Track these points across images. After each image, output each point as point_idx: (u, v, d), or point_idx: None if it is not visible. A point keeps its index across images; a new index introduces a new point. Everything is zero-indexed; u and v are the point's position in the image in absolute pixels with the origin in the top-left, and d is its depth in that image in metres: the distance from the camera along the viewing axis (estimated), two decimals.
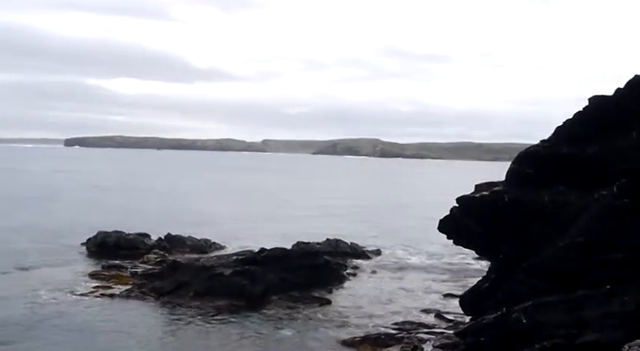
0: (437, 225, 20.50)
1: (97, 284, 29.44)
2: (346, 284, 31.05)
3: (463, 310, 20.71)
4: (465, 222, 19.13)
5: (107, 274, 31.61)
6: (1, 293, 27.31)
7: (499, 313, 17.29)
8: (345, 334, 22.97)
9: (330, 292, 29.15)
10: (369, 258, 38.46)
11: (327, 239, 38.55)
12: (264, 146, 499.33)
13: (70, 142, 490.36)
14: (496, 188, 19.05)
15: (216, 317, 24.90)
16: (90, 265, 33.92)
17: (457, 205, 19.51)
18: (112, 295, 27.55)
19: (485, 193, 19.03)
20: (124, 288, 28.60)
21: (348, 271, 33.65)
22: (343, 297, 28.86)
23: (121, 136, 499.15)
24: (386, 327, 23.99)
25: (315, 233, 42.32)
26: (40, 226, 47.63)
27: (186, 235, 40.29)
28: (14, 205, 62.06)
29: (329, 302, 27.58)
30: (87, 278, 30.68)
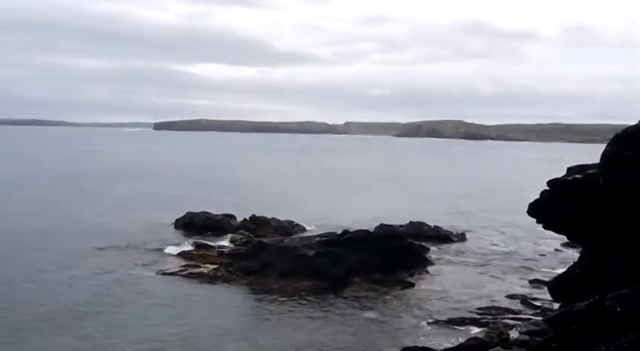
0: (525, 209, 19.86)
1: (185, 263, 30.37)
2: (429, 268, 30.70)
3: (552, 296, 20.00)
4: (556, 206, 18.40)
5: (195, 253, 32.58)
6: (94, 269, 28.70)
7: (591, 300, 16.60)
8: (428, 318, 22.78)
9: (413, 275, 28.92)
10: (453, 241, 37.85)
11: (411, 222, 38.20)
12: (346, 128, 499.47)
13: (158, 126, 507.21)
14: (590, 171, 18.20)
15: (299, 297, 25.23)
16: (178, 244, 34.98)
17: (548, 188, 18.80)
18: (200, 274, 28.39)
19: (578, 176, 18.20)
20: (211, 267, 29.40)
21: (431, 254, 33.21)
22: (426, 280, 28.59)
23: (206, 120, 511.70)
24: (470, 311, 23.62)
25: (398, 216, 42.03)
26: (132, 206, 49.66)
27: (270, 217, 40.92)
28: (108, 184, 64.99)
29: (412, 285, 27.39)
30: (176, 257, 31.71)
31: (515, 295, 26.06)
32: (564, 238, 31.09)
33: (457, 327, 21.83)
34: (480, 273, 30.33)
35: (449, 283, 28.24)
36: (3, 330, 20.52)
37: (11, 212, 45.14)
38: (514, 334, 20.49)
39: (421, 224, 38.23)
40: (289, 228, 40.03)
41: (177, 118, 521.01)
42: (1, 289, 25.23)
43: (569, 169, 18.93)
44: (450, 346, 19.17)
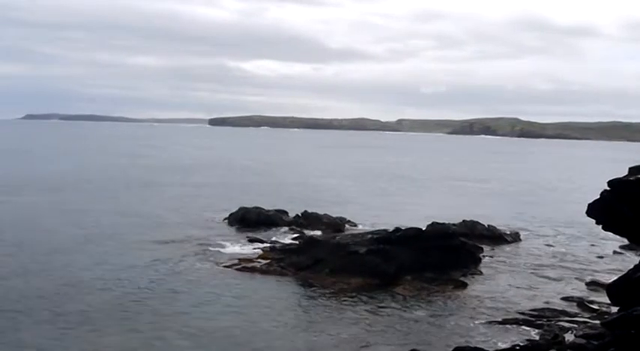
0: (584, 209, 19.36)
1: (238, 257, 30.71)
2: (482, 267, 30.24)
3: (610, 299, 19.47)
4: (617, 207, 17.88)
5: (247, 247, 32.93)
6: (149, 262, 29.32)
7: None
8: (480, 318, 22.48)
9: (466, 274, 28.55)
10: (507, 241, 37.17)
11: (464, 221, 37.69)
12: (399, 126, 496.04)
13: (213, 122, 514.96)
14: None
15: (350, 294, 25.25)
16: (231, 239, 35.47)
17: (609, 188, 18.28)
18: (252, 268, 28.72)
19: None
20: (263, 262, 29.70)
21: (484, 254, 32.74)
22: (479, 280, 28.19)
23: (259, 116, 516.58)
24: (524, 313, 23.18)
25: (451, 214, 41.57)
26: (187, 200, 50.62)
27: (322, 213, 41.07)
28: (164, 178, 66.34)
29: (464, 285, 27.05)
30: (229, 251, 32.12)
31: (571, 297, 25.45)
32: (624, 240, 30.36)
33: (510, 328, 21.47)
34: (535, 274, 29.71)
35: (502, 283, 27.78)
36: (62, 317, 21.21)
37: (72, 204, 46.58)
38: (570, 337, 20.03)
39: (474, 223, 37.66)
40: (341, 224, 40.07)
41: (231, 114, 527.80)
42: (61, 277, 26.06)
43: (631, 169, 18.36)
44: (503, 347, 18.86)
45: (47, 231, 36.03)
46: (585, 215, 18.76)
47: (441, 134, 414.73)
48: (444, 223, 33.97)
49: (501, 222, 41.62)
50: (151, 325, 20.97)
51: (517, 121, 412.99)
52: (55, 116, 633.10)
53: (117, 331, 20.34)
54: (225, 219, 40.90)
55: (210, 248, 32.49)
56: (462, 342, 19.16)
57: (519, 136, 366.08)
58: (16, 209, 43.56)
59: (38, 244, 32.18)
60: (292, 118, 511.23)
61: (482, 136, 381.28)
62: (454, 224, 36.17)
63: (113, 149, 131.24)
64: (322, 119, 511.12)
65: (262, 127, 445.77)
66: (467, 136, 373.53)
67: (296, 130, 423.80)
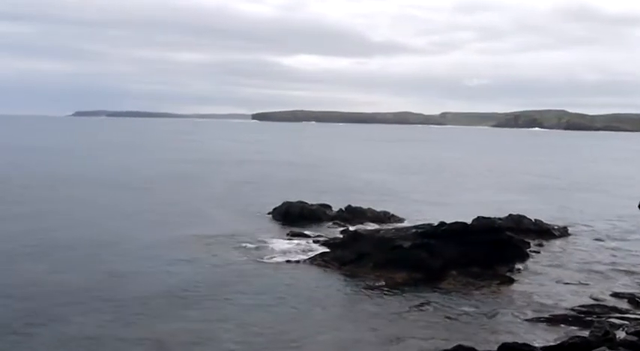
0: (636, 203, 18.84)
1: (281, 251, 30.89)
2: (529, 262, 29.75)
3: None
4: None
5: (291, 242, 33.11)
6: (195, 255, 29.69)
7: None
8: (528, 314, 22.11)
9: (512, 270, 28.12)
10: (555, 236, 36.44)
11: (510, 215, 37.11)
12: (442, 119, 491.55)
13: (256, 117, 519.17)
14: None
15: (394, 288, 25.15)
16: (275, 233, 35.72)
17: None
18: (296, 262, 28.87)
19: None
20: (307, 256, 29.80)
21: (532, 248, 32.19)
22: (526, 275, 27.72)
23: (302, 111, 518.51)
24: (573, 309, 22.69)
25: (497, 208, 41.03)
26: (231, 194, 51.19)
27: (365, 207, 40.99)
28: (209, 172, 67.20)
29: (511, 280, 26.63)
30: (272, 245, 32.33)
31: (622, 293, 24.80)
32: None
33: (558, 325, 21.06)
34: (584, 269, 29.06)
35: (550, 279, 27.27)
36: (111, 307, 21.71)
37: (119, 198, 47.60)
38: (621, 334, 19.50)
39: (521, 217, 37.02)
40: (385, 218, 39.93)
41: (274, 109, 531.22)
42: (110, 269, 26.65)
43: None
44: (551, 344, 18.51)
45: (95, 224, 36.90)
46: (638, 209, 18.27)
47: (485, 127, 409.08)
48: (489, 218, 33.48)
49: (549, 216, 40.82)
50: (199, 316, 21.28)
51: (564, 113, 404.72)
52: (102, 113, 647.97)
53: (167, 321, 20.72)
54: (268, 213, 41.18)
55: (254, 242, 32.75)
56: (508, 338, 18.86)
57: (566, 129, 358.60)
58: (66, 203, 44.71)
59: (87, 238, 32.96)
60: (335, 112, 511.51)
61: (528, 128, 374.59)
62: (500, 218, 35.63)
63: (160, 144, 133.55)
64: (365, 113, 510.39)
65: (310, 122, 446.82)
66: (512, 129, 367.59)
67: (339, 124, 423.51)
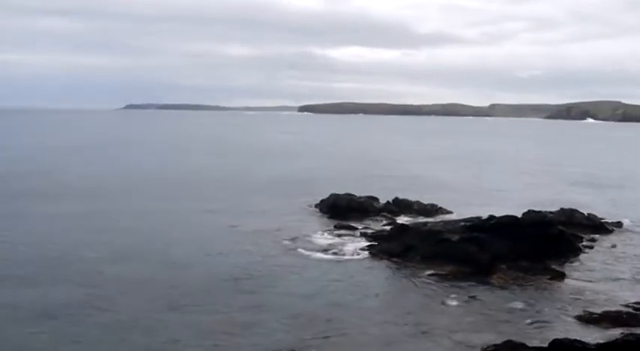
0: None
1: (328, 244, 30.96)
2: (582, 257, 29.11)
3: None
4: None
5: (339, 233, 33.19)
6: (238, 247, 30.00)
7: None
8: (580, 310, 21.61)
9: (564, 264, 27.56)
10: (608, 231, 35.50)
11: (561, 208, 36.33)
12: (492, 111, 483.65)
13: (303, 109, 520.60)
14: None
15: (442, 282, 24.94)
16: (323, 225, 35.84)
17: None
18: (343, 255, 28.89)
19: None
20: (354, 248, 29.80)
21: (584, 243, 31.48)
22: (578, 271, 27.12)
23: (348, 103, 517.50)
24: (627, 305, 22.11)
25: (548, 201, 40.27)
26: (277, 186, 51.51)
27: (413, 199, 40.74)
28: (256, 164, 67.80)
29: (562, 275, 26.08)
30: (319, 237, 32.45)
31: None
32: None
33: (612, 322, 20.51)
34: (639, 265, 28.27)
35: (603, 274, 26.62)
36: (159, 297, 22.18)
37: (167, 193, 48.50)
38: None
39: (573, 211, 36.20)
40: (432, 211, 39.62)
41: (321, 102, 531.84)
42: (158, 261, 27.23)
43: None
44: (603, 341, 18.08)
45: (150, 214, 37.70)
46: None
47: (536, 119, 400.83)
48: (540, 211, 32.94)
49: (602, 210, 39.83)
50: (246, 305, 21.56)
51: (619, 104, 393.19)
52: (152, 106, 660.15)
53: (215, 309, 21.07)
54: (315, 205, 41.32)
55: (301, 235, 32.91)
56: (559, 335, 18.50)
57: (621, 121, 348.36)
58: (124, 194, 45.84)
59: (144, 227, 33.72)
60: (382, 104, 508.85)
61: (581, 120, 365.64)
62: (551, 212, 34.96)
63: (209, 137, 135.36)
64: (412, 105, 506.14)
65: (357, 114, 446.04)
66: (564, 121, 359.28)
67: (386, 116, 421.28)
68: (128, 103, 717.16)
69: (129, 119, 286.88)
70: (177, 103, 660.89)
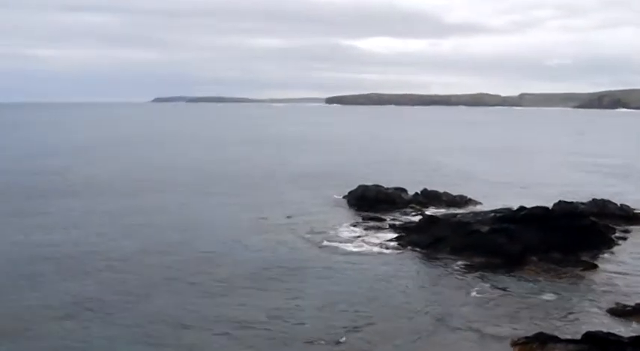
0: None
1: (357, 235, 31.03)
2: (615, 249, 28.65)
3: None
4: None
5: (367, 225, 33.18)
6: (268, 238, 30.22)
7: None
8: (612, 303, 21.27)
9: (596, 256, 27.16)
10: None
11: (593, 199, 35.76)
12: (521, 100, 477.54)
13: (330, 100, 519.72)
14: None
15: (473, 274, 24.77)
16: (351, 217, 35.83)
17: None
18: (371, 246, 28.84)
19: None
20: (382, 240, 29.77)
21: (617, 234, 30.95)
22: (611, 262, 26.71)
23: (376, 94, 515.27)
24: None
25: (579, 192, 39.70)
26: (305, 177, 51.64)
27: (441, 191, 40.48)
28: (284, 156, 68.03)
29: (594, 267, 25.72)
30: (348, 228, 32.48)
31: None
32: None
33: None
34: None
35: (636, 266, 26.14)
36: (186, 291, 22.43)
37: (201, 186, 48.93)
38: None
39: (605, 202, 35.57)
40: (461, 203, 39.32)
41: (348, 93, 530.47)
42: (190, 253, 27.53)
43: None
44: (636, 334, 17.79)
45: (177, 212, 38.09)
46: None
47: (567, 109, 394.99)
48: (571, 202, 32.46)
49: (636, 200, 39.09)
50: (277, 296, 21.72)
51: None
52: (181, 99, 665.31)
53: (246, 300, 21.26)
54: (344, 197, 41.31)
55: (330, 226, 32.95)
56: (592, 327, 18.26)
57: None
58: (161, 186, 46.41)
59: (168, 225, 34.05)
60: (409, 95, 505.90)
61: (613, 109, 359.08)
62: (583, 203, 34.46)
63: (239, 129, 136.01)
64: (440, 95, 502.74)
65: (379, 105, 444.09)
66: (595, 110, 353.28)
67: (413, 107, 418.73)
68: (157, 96, 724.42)
69: (160, 112, 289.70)
70: (206, 95, 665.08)
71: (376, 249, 28.46)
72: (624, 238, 30.75)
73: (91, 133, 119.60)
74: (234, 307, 20.67)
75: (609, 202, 35.78)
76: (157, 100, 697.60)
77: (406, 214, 36.37)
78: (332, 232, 31.51)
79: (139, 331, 18.68)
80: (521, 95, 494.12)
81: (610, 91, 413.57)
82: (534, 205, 29.70)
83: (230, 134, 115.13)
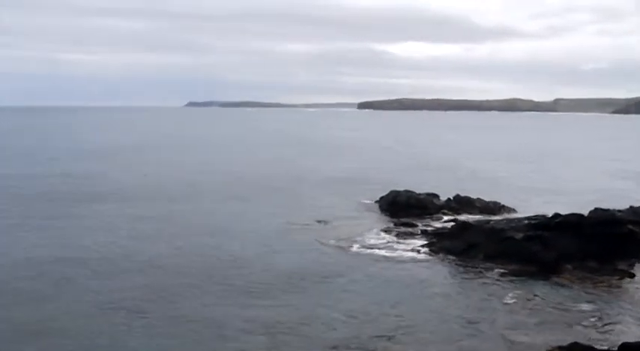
0: None
1: (389, 241, 30.90)
2: None
3: None
4: None
5: (398, 231, 32.99)
6: (299, 243, 30.34)
7: None
8: None
9: (634, 265, 26.52)
10: None
11: (631, 207, 34.93)
12: (555, 105, 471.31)
13: (362, 106, 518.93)
14: None
15: (507, 281, 24.45)
16: (382, 222, 35.69)
17: None
18: (403, 252, 28.69)
19: None
20: (414, 246, 29.59)
21: None
22: None
23: (408, 99, 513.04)
24: None
25: (616, 200, 38.84)
26: (337, 182, 51.64)
27: (474, 197, 40.07)
28: (316, 161, 68.11)
29: (632, 276, 25.16)
30: (379, 234, 32.34)
31: None
32: None
33: None
34: None
35: None
36: (214, 293, 22.57)
37: (230, 189, 49.26)
38: None
39: None
40: (495, 209, 38.85)
41: (380, 98, 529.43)
42: (218, 257, 27.73)
43: None
44: None
45: (210, 217, 38.38)
46: None
47: (602, 114, 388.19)
48: (608, 209, 31.81)
49: None
50: (305, 301, 21.78)
51: None
52: (214, 103, 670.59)
53: (273, 304, 21.34)
54: (376, 202, 41.18)
55: (361, 232, 32.85)
56: (629, 338, 17.87)
57: None
58: (192, 189, 46.89)
59: (201, 230, 34.29)
60: (442, 100, 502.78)
61: None
62: (620, 210, 33.72)
63: (272, 134, 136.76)
64: (472, 100, 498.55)
65: (412, 110, 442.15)
66: (632, 116, 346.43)
67: (446, 112, 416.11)
68: (190, 101, 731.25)
69: (194, 117, 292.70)
70: (238, 100, 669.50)
71: (408, 255, 28.29)
72: None
73: (134, 135, 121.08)
74: (265, 310, 20.74)
75: None
76: (190, 104, 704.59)
77: (438, 219, 36.09)
78: (363, 238, 31.41)
79: (171, 332, 18.88)
80: (556, 100, 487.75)
81: None
82: (569, 212, 29.22)
83: (265, 139, 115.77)
